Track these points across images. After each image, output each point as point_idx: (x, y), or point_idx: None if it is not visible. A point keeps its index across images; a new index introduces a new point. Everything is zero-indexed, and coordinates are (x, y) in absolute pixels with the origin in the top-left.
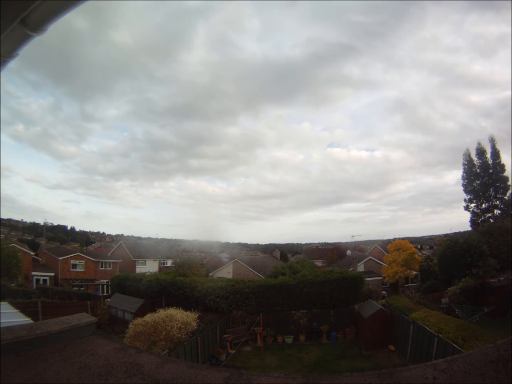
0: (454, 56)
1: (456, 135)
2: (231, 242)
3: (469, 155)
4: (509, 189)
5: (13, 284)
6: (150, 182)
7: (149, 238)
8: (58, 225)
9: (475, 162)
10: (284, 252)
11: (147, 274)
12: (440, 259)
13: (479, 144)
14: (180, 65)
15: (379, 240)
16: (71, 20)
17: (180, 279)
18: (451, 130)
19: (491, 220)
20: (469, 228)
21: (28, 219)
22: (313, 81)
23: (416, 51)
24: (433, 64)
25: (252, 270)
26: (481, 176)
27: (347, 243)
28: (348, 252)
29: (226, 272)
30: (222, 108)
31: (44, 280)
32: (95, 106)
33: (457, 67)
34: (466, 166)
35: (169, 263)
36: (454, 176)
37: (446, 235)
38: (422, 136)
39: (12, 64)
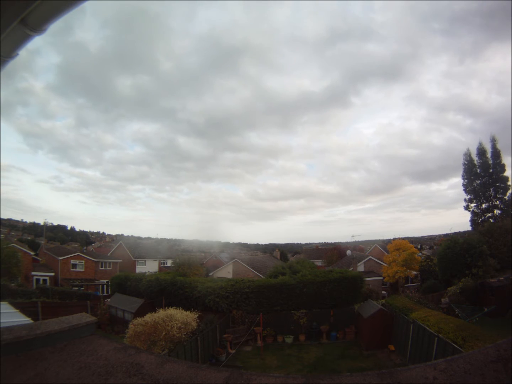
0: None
1: (444, 148)
2: (231, 242)
3: (470, 155)
4: (509, 189)
5: (13, 284)
6: (162, 186)
7: (149, 238)
8: (58, 225)
9: (475, 162)
10: (284, 252)
11: (147, 274)
12: (440, 259)
13: (480, 144)
14: (218, 89)
15: (379, 240)
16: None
17: (180, 279)
18: (439, 145)
19: (491, 220)
20: (469, 228)
21: (28, 219)
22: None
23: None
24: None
25: (252, 270)
26: (481, 176)
27: (347, 243)
28: (348, 252)
29: (226, 272)
30: (249, 124)
31: (44, 280)
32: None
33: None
34: (466, 166)
35: (169, 263)
36: (446, 182)
37: (446, 235)
38: (413, 150)
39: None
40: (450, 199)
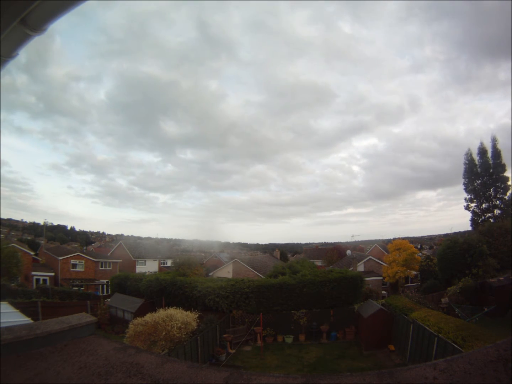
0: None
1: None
2: (231, 242)
3: (471, 155)
4: (509, 189)
5: (13, 284)
6: (180, 193)
7: (149, 238)
8: (58, 225)
9: (476, 162)
10: (284, 252)
11: (147, 274)
12: (440, 259)
13: (481, 143)
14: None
15: (379, 240)
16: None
17: (180, 279)
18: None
19: (491, 220)
20: (469, 228)
21: (28, 219)
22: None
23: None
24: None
25: (252, 270)
26: (482, 176)
27: (347, 243)
28: (348, 252)
29: (226, 272)
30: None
31: (44, 280)
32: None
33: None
34: (467, 166)
35: (169, 263)
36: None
37: (446, 235)
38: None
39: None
40: (444, 203)
